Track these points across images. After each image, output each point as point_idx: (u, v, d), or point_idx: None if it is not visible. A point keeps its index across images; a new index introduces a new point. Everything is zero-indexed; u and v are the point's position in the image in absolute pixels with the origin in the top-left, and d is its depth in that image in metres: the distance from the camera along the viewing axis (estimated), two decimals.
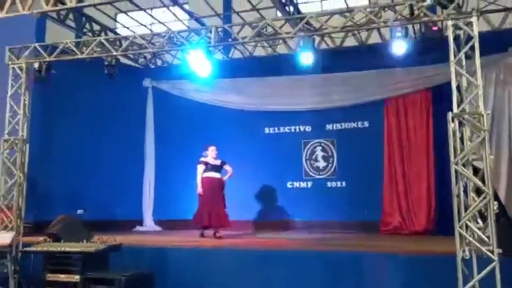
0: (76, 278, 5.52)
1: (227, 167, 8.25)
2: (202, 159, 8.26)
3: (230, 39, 8.34)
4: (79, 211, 8.40)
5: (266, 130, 10.26)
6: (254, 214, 9.76)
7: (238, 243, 7.07)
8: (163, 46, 8.28)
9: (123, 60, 9.32)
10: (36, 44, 8.01)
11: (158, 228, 10.22)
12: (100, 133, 9.64)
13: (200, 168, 8.19)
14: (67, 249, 5.72)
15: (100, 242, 5.95)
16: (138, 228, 10.19)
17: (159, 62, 10.77)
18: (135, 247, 6.42)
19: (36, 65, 7.56)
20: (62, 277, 5.59)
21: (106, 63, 7.80)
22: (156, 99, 10.70)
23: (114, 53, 7.83)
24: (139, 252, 6.26)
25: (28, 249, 6.07)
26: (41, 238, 6.25)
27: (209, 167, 8.18)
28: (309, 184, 10.01)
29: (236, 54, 10.11)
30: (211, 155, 8.25)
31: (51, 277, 5.63)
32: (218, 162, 8.26)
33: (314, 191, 9.86)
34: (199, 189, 8.11)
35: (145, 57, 10.26)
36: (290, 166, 9.97)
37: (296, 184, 10.04)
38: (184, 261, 6.01)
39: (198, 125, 10.23)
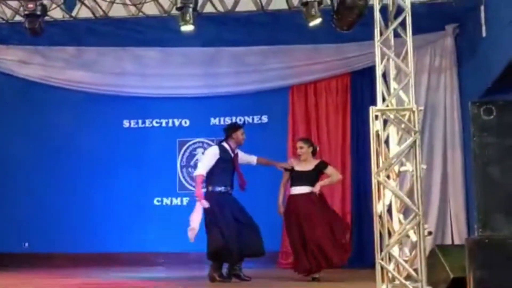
0: None
1: (330, 171, 7.34)
2: (287, 164, 7.48)
3: None
4: None
5: (125, 123, 10.26)
6: (103, 244, 9.56)
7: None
8: None
9: None
10: None
11: None
12: None
13: (286, 176, 7.39)
14: None
15: None
16: None
17: None
18: None
19: None
20: None
21: None
22: None
23: None
24: None
25: None
26: None
27: (294, 176, 7.27)
28: (185, 200, 10.07)
29: (83, 12, 9.83)
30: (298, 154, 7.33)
31: None
32: (310, 166, 7.27)
33: (191, 210, 9.90)
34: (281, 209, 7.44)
35: None
36: (159, 175, 10.03)
37: (167, 200, 10.11)
38: None
39: (23, 112, 9.98)
